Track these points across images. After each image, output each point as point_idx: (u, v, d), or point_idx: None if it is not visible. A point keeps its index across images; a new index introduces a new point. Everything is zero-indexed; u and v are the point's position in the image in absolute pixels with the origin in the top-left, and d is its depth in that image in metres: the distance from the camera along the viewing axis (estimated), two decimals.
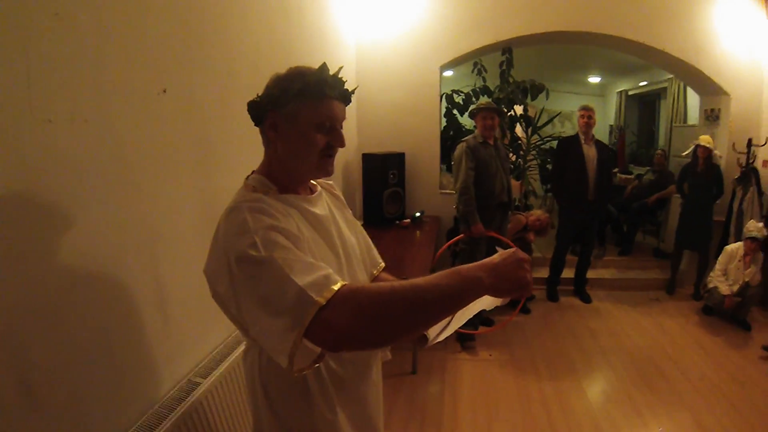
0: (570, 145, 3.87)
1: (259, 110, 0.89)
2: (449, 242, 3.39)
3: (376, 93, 3.94)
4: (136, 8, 1.20)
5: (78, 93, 1.02)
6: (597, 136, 3.92)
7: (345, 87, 0.92)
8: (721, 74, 4.01)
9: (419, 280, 0.71)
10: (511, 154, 4.52)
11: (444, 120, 4.75)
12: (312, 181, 1.00)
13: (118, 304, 1.17)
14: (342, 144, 0.90)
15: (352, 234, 1.03)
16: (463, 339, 3.21)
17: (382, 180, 3.72)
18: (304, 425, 0.90)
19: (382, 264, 1.16)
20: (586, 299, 4.09)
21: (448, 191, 4.12)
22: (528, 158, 5.07)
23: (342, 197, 1.09)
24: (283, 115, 0.86)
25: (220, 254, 0.79)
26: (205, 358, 1.52)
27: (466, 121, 5.03)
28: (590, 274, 4.26)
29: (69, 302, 1.00)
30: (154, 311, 1.30)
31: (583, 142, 3.80)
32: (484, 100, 4.20)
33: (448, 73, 5.13)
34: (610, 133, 8.19)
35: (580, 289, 4.18)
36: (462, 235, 3.25)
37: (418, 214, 3.88)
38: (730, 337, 3.46)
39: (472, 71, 4.49)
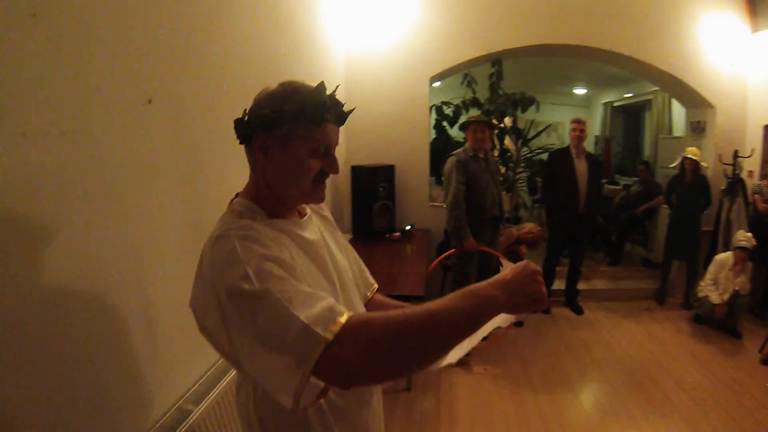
0: (561, 158, 3.88)
1: (246, 130, 0.82)
2: (441, 257, 3.34)
3: (366, 104, 3.86)
4: (120, 11, 1.13)
5: (54, 103, 0.94)
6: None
7: (342, 109, 0.87)
8: (706, 87, 4.08)
9: (431, 305, 0.67)
10: (501, 167, 4.53)
11: (433, 132, 4.73)
12: None
13: (103, 327, 1.08)
14: (336, 170, 0.85)
15: (344, 257, 0.99)
16: None
17: (372, 193, 3.66)
18: None
19: (375, 285, 1.11)
20: (578, 310, 4.07)
21: (438, 204, 4.08)
22: (518, 170, 5.08)
23: (331, 218, 1.04)
24: (274, 137, 0.80)
25: (206, 287, 0.73)
26: (196, 383, 1.43)
27: (455, 132, 5.03)
28: (581, 285, 4.25)
29: (50, 325, 0.92)
30: (142, 334, 1.21)
31: (574, 156, 3.80)
32: (474, 112, 4.19)
33: (436, 84, 5.15)
34: (596, 143, 8.30)
35: (572, 300, 4.16)
36: (453, 250, 3.21)
37: (408, 228, 3.82)
38: (722, 346, 3.48)
39: (462, 83, 4.48)
